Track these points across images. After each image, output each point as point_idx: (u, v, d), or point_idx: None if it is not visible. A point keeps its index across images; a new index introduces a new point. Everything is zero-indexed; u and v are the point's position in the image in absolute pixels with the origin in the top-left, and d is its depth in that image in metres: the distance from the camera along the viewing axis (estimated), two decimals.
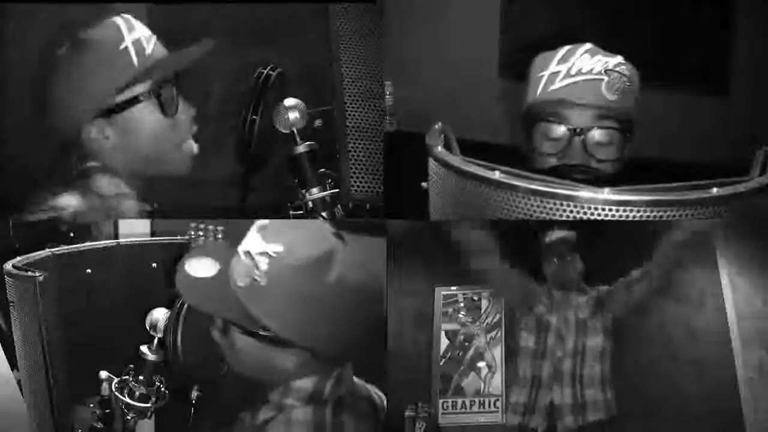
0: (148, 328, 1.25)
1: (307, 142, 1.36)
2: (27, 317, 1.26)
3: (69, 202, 1.23)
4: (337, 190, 1.38)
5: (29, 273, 1.25)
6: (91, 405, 1.29)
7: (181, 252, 1.61)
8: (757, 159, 1.06)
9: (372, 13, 1.74)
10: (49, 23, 1.44)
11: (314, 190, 1.36)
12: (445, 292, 2.13)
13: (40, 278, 1.23)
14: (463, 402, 2.01)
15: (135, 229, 1.87)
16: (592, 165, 1.32)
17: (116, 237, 2.02)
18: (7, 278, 1.29)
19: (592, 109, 1.30)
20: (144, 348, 1.26)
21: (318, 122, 1.43)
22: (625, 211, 0.86)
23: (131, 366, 1.26)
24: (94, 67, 1.22)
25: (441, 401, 2.00)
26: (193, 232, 2.59)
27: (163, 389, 1.28)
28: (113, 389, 1.26)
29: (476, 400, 2.01)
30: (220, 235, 2.58)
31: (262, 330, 0.96)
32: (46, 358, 1.24)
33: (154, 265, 1.54)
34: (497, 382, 2.01)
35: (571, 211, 0.87)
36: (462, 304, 2.12)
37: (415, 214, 1.42)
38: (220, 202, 1.71)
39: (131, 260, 1.52)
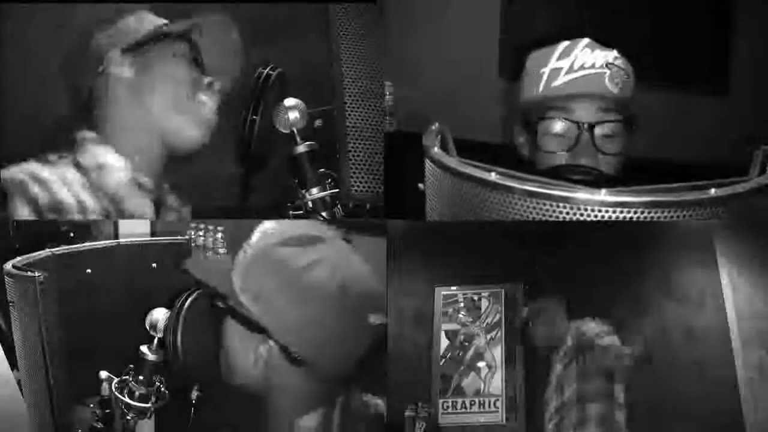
0: (148, 328, 1.26)
1: (307, 142, 1.36)
2: (27, 317, 1.26)
3: (45, 174, 1.21)
4: (337, 190, 1.38)
5: (29, 273, 1.25)
6: (91, 405, 1.29)
7: (181, 252, 1.62)
8: (756, 159, 1.06)
9: (372, 13, 1.74)
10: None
11: (314, 190, 1.36)
12: (445, 292, 2.13)
13: (40, 278, 1.23)
14: (463, 402, 2.01)
15: (135, 229, 1.88)
16: (599, 159, 1.32)
17: (116, 237, 2.03)
18: (7, 278, 1.29)
19: (598, 103, 1.31)
20: (144, 348, 1.26)
21: (318, 122, 1.43)
22: (622, 212, 0.86)
23: (131, 366, 1.27)
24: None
25: (441, 401, 2.01)
26: (192, 232, 2.60)
27: (163, 389, 1.28)
28: (113, 389, 1.26)
29: (476, 400, 2.01)
30: (219, 235, 2.59)
31: (239, 304, 0.96)
32: (46, 358, 1.24)
33: (154, 265, 1.54)
34: (497, 382, 2.01)
35: (568, 213, 0.87)
36: (462, 304, 2.12)
37: (414, 214, 1.42)
38: (220, 202, 1.71)
39: (131, 260, 1.52)
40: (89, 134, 1.31)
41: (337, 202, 1.38)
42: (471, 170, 0.95)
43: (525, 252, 1.97)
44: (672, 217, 0.87)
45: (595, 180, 1.30)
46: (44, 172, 1.21)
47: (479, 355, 2.06)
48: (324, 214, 1.35)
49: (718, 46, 3.65)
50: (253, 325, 0.96)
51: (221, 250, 2.57)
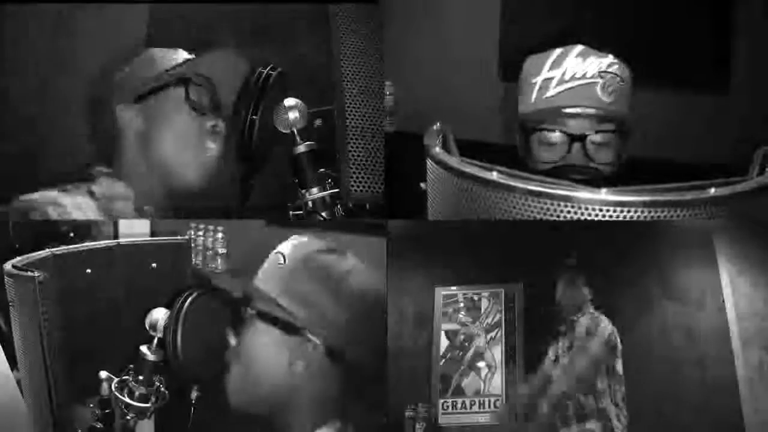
0: (148, 328, 1.26)
1: (307, 142, 1.36)
2: (27, 317, 1.26)
3: (64, 200, 1.30)
4: (337, 190, 1.38)
5: (29, 273, 1.25)
6: (91, 405, 1.29)
7: (181, 252, 1.62)
8: (756, 159, 1.06)
9: (372, 13, 1.74)
10: None
11: (314, 190, 1.36)
12: (445, 292, 2.14)
13: (40, 278, 1.23)
14: (463, 402, 2.01)
15: (135, 229, 1.88)
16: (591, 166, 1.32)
17: (116, 237, 2.03)
18: (7, 278, 1.29)
19: (589, 114, 1.30)
20: (144, 348, 1.26)
21: (318, 122, 1.43)
22: (622, 211, 0.86)
23: (131, 366, 1.27)
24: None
25: (441, 401, 2.01)
26: (193, 232, 2.60)
27: (163, 389, 1.28)
28: (113, 389, 1.26)
29: (476, 400, 2.01)
30: (219, 235, 2.59)
31: (277, 308, 0.98)
32: (46, 358, 1.24)
33: (154, 265, 1.54)
34: (497, 382, 2.02)
35: (569, 212, 0.87)
36: (462, 304, 2.12)
37: (415, 214, 1.42)
38: (220, 202, 1.71)
39: (131, 260, 1.52)
40: (105, 169, 1.40)
41: (337, 202, 1.38)
42: (472, 169, 0.95)
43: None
44: (672, 217, 0.87)
45: (594, 179, 1.30)
46: (62, 198, 1.31)
47: (479, 355, 2.06)
48: (324, 214, 1.35)
49: (718, 46, 3.65)
50: (291, 328, 0.98)
51: (221, 250, 2.56)
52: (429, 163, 1.06)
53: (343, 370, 0.99)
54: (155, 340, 1.26)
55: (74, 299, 1.37)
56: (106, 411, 1.28)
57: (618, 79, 1.31)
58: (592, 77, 1.30)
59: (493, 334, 2.07)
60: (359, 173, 1.61)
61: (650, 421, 1.78)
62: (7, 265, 1.30)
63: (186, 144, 1.37)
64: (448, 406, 2.00)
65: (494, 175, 0.93)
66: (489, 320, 2.09)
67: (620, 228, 1.53)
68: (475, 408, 1.99)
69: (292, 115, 1.35)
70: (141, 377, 1.25)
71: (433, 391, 2.02)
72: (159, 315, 1.25)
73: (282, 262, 1.01)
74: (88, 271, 1.44)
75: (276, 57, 1.47)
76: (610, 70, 1.31)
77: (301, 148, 1.36)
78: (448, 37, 4.02)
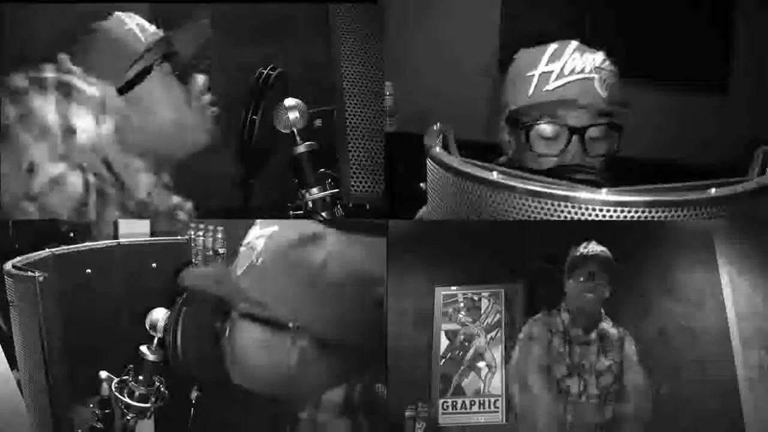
0: (148, 328, 1.26)
1: (307, 142, 1.36)
2: (27, 317, 1.26)
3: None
4: (337, 190, 1.38)
5: (29, 273, 1.25)
6: (91, 405, 1.29)
7: (181, 252, 1.62)
8: (756, 159, 1.05)
9: (372, 13, 1.74)
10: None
11: (314, 190, 1.37)
12: (445, 292, 2.13)
13: (40, 278, 1.23)
14: (463, 402, 2.01)
15: (135, 229, 1.87)
16: (587, 161, 1.32)
17: (116, 237, 2.02)
18: (7, 278, 1.29)
19: (590, 107, 1.31)
20: (144, 348, 1.26)
21: (318, 122, 1.43)
22: (623, 211, 0.86)
23: (131, 366, 1.27)
24: (105, 49, 1.31)
25: (441, 401, 2.00)
26: (192, 232, 2.60)
27: (163, 389, 1.28)
28: (113, 389, 1.26)
29: (476, 400, 2.01)
30: (219, 235, 2.59)
31: (259, 307, 0.98)
32: (46, 358, 1.24)
33: (154, 265, 1.55)
34: (497, 382, 2.01)
35: (569, 212, 0.87)
36: (462, 304, 2.11)
37: (415, 214, 1.42)
38: (220, 202, 1.71)
39: (131, 260, 1.52)
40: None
41: (337, 202, 1.38)
42: (472, 169, 0.95)
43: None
44: (672, 217, 0.87)
45: (591, 178, 1.30)
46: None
47: (479, 355, 2.06)
48: (324, 214, 1.36)
49: (718, 46, 3.65)
50: (278, 326, 0.98)
51: (221, 250, 2.56)
52: (429, 163, 1.06)
53: (340, 356, 1.00)
54: (155, 340, 1.26)
55: (74, 299, 1.37)
56: (106, 411, 1.28)
57: (612, 74, 1.33)
58: (589, 72, 1.31)
59: (493, 334, 2.07)
60: (359, 173, 1.61)
61: (650, 420, 1.78)
62: (7, 265, 1.30)
63: (182, 114, 1.36)
64: (448, 406, 2.00)
65: (494, 175, 0.93)
66: (489, 320, 2.08)
67: (620, 228, 1.53)
68: (475, 408, 1.99)
69: (292, 115, 1.35)
70: (141, 377, 1.25)
71: (433, 391, 2.02)
72: (159, 315, 1.25)
73: (255, 260, 1.00)
74: (88, 271, 1.44)
75: (276, 57, 1.47)
76: (604, 66, 1.32)
77: (301, 148, 1.36)
78: (448, 37, 4.03)
